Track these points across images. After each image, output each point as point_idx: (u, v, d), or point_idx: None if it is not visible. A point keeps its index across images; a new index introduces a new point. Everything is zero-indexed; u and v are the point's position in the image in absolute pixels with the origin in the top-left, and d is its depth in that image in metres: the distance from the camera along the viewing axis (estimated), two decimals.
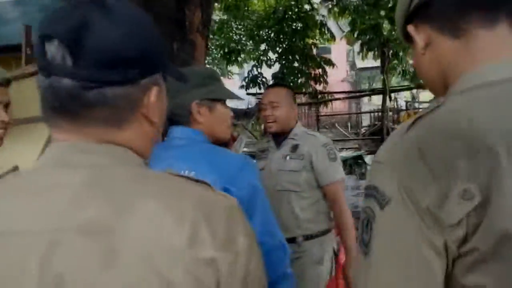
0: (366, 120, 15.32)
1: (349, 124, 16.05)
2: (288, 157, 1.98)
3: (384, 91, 6.24)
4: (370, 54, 7.39)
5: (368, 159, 4.53)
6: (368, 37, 6.15)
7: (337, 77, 17.46)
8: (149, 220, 0.50)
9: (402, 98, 12.35)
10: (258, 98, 8.71)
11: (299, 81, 6.41)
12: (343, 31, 7.53)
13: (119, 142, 0.59)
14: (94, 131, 0.57)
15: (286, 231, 1.90)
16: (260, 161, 2.13)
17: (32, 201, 0.51)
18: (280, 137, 2.04)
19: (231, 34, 8.27)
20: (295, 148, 1.98)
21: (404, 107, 9.09)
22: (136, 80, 0.58)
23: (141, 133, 0.62)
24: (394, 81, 9.77)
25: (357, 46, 11.05)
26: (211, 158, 1.13)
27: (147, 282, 0.47)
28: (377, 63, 10.24)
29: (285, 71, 6.35)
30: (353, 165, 4.37)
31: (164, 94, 0.67)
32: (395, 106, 7.74)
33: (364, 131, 13.22)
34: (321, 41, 7.60)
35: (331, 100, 7.51)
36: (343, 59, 18.96)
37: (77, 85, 0.53)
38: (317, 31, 6.37)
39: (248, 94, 7.19)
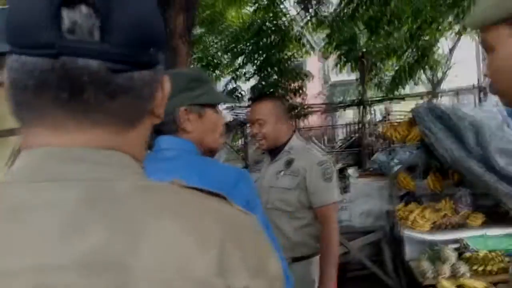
0: (341, 134, 15.55)
1: (324, 138, 16.25)
2: (281, 173, 1.87)
3: (362, 103, 6.25)
4: (346, 67, 7.46)
5: (350, 171, 4.45)
6: (345, 49, 6.18)
7: (312, 92, 17.68)
8: (167, 246, 0.40)
9: (378, 110, 12.64)
10: (235, 113, 8.60)
11: (277, 94, 6.35)
12: (316, 47, 7.60)
13: (124, 145, 0.46)
14: (105, 131, 0.44)
15: None
16: (253, 174, 1.99)
17: (9, 227, 0.38)
18: (275, 150, 1.93)
19: (207, 48, 8.16)
20: (289, 163, 1.87)
21: (380, 119, 9.25)
22: (158, 64, 0.47)
23: (143, 134, 0.50)
24: (369, 94, 9.92)
25: (330, 61, 11.19)
26: (203, 170, 1.00)
27: None
28: (351, 77, 10.37)
29: (263, 83, 6.28)
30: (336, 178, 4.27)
31: None
32: (372, 119, 7.81)
33: (340, 145, 13.37)
34: (299, 54, 7.61)
35: (310, 113, 7.49)
36: (316, 75, 19.25)
37: (104, 67, 0.40)
38: (295, 43, 6.36)
39: (225, 108, 7.06)
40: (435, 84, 11.74)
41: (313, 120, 15.94)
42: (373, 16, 4.69)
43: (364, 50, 6.18)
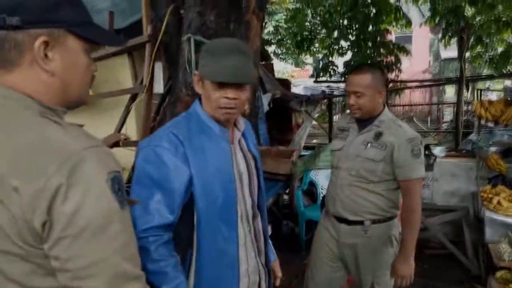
0: (448, 115, 14.25)
1: (428, 119, 15.10)
2: (369, 145, 1.89)
3: (460, 80, 5.73)
4: (454, 41, 6.87)
5: (437, 150, 4.29)
6: (448, 21, 5.73)
7: (418, 68, 16.46)
8: None
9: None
10: (329, 88, 8.61)
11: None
12: (424, 16, 7.03)
13: (8, 83, 0.71)
14: None
15: (355, 214, 1.94)
16: (338, 141, 2.05)
17: None
18: (364, 121, 1.94)
19: (304, 22, 8.21)
20: (378, 136, 1.88)
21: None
22: (18, 26, 0.70)
23: (34, 79, 0.74)
24: (485, 72, 8.89)
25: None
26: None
27: None
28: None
29: (356, 59, 6.21)
30: None
31: (72, 50, 0.77)
32: (476, 98, 7.08)
33: (446, 127, 12.33)
34: (399, 27, 7.21)
35: (402, 89, 7.09)
36: (425, 49, 17.75)
37: None
38: (392, 16, 6.09)
39: (315, 82, 7.15)
40: None
41: (417, 99, 14.99)
42: None
43: (467, 23, 5.61)
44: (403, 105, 13.33)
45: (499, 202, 3.23)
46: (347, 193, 1.94)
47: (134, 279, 0.74)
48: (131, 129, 2.65)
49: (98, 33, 0.83)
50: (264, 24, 2.25)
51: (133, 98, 2.37)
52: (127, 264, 0.72)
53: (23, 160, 0.65)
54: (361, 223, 1.92)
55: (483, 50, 6.70)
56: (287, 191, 4.71)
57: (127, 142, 2.12)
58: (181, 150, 1.19)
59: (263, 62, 6.32)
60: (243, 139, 1.41)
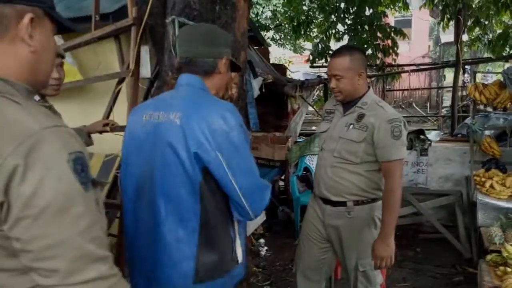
0: (447, 100, 14.20)
1: (428, 104, 15.04)
2: (351, 126, 1.92)
3: (457, 64, 5.64)
4: (452, 24, 6.77)
5: (431, 135, 4.28)
6: (446, 3, 5.63)
7: (417, 53, 16.30)
8: None
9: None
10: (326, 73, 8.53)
11: (366, 52, 6.13)
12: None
13: None
14: None
15: (337, 195, 1.96)
16: (324, 123, 2.10)
17: None
18: (348, 103, 1.98)
19: (301, 6, 8.08)
20: (360, 117, 1.91)
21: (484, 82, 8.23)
22: (8, 0, 0.71)
23: (12, 55, 0.73)
24: (485, 55, 8.79)
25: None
26: (197, 101, 1.28)
27: None
28: (464, 36, 9.25)
29: (352, 43, 6.13)
30: (414, 140, 4.15)
31: (47, 31, 0.78)
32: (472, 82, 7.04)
33: (445, 112, 12.30)
34: (396, 9, 7.09)
35: (397, 73, 7.00)
36: (425, 34, 17.58)
37: None
38: None
39: (311, 67, 7.07)
40: None
41: (416, 83, 14.89)
42: None
43: (464, 4, 5.50)
44: (402, 90, 13.25)
45: (491, 186, 3.23)
46: (330, 174, 1.97)
47: (99, 260, 0.73)
48: (122, 114, 2.63)
49: (63, 19, 0.85)
50: (251, 6, 2.20)
51: (120, 82, 2.35)
52: (90, 246, 0.71)
53: None
54: (343, 204, 1.95)
55: (481, 32, 6.61)
56: (282, 177, 4.73)
57: (115, 127, 2.10)
58: None
59: (261, 47, 6.26)
60: None
